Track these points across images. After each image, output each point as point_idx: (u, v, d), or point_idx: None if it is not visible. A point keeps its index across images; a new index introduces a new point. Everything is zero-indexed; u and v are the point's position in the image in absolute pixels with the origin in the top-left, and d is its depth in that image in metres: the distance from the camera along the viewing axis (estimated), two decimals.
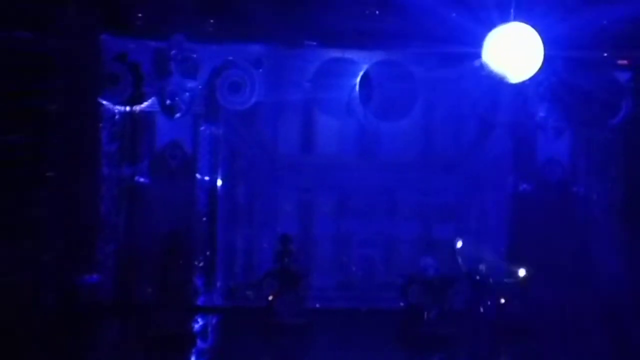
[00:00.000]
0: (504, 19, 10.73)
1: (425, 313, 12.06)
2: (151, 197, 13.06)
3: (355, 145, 13.70)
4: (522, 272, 12.45)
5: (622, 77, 13.42)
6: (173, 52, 12.67)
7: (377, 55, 13.21)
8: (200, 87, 12.99)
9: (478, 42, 10.65)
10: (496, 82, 11.04)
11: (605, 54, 13.08)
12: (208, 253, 13.27)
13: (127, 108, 12.98)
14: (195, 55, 12.80)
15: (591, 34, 11.47)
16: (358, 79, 13.24)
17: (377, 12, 11.95)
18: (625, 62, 13.36)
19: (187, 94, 12.83)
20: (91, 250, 12.63)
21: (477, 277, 12.50)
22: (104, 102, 12.81)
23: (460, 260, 12.61)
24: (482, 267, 12.51)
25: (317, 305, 12.99)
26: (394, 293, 12.90)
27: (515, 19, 10.59)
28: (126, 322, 12.32)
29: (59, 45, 10.86)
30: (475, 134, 13.74)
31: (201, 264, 13.16)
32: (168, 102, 12.78)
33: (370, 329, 12.59)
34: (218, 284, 13.33)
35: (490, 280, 12.43)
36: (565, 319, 12.47)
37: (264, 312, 12.32)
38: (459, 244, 12.78)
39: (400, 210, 13.77)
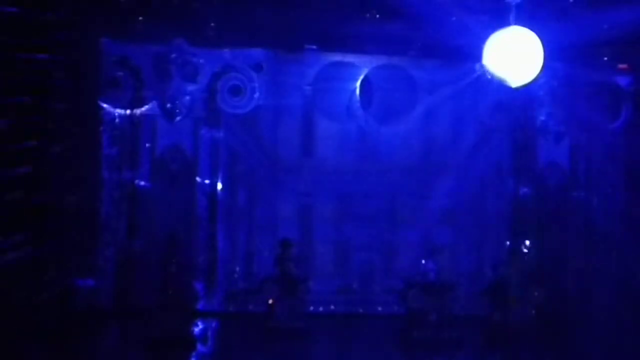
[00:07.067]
0: (504, 24, 10.72)
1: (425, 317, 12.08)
2: (151, 201, 13.05)
3: (355, 149, 13.69)
4: None
5: (622, 81, 13.44)
6: (173, 56, 12.69)
7: (378, 59, 13.23)
8: (200, 91, 13.00)
9: (478, 47, 10.64)
10: (496, 87, 11.03)
11: (606, 59, 13.10)
12: (208, 257, 13.25)
13: (128, 112, 12.97)
14: (195, 59, 12.82)
15: (591, 39, 11.48)
16: (358, 83, 13.25)
17: (377, 16, 11.96)
18: (625, 66, 13.37)
19: (188, 97, 12.85)
20: (91, 254, 12.63)
21: None
22: (105, 106, 12.81)
23: None
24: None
25: (317, 310, 12.97)
26: (393, 298, 12.89)
27: (515, 24, 10.57)
28: (126, 325, 12.31)
29: (60, 50, 10.89)
30: (475, 138, 13.73)
31: (201, 268, 13.14)
32: (168, 105, 12.79)
33: (370, 333, 12.58)
34: (218, 288, 13.30)
35: None
36: (565, 322, 12.48)
37: (263, 316, 12.31)
38: None
39: (400, 214, 13.74)
